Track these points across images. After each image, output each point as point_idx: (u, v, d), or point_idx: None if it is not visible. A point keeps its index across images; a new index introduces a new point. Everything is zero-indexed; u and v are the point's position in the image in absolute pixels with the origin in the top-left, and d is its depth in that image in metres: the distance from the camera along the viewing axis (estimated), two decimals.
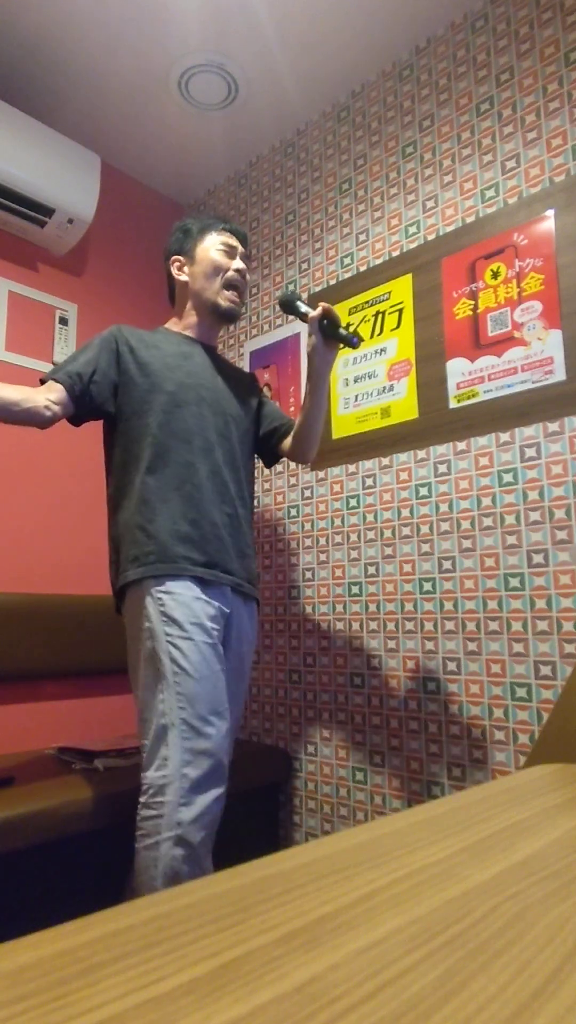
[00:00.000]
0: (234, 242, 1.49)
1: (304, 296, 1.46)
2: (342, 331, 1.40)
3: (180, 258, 1.50)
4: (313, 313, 1.41)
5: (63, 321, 2.18)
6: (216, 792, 1.19)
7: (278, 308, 2.21)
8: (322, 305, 1.40)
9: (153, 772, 1.17)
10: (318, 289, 2.09)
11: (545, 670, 1.45)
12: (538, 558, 1.49)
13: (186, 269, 1.49)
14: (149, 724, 1.21)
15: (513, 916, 0.46)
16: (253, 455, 1.57)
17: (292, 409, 2.11)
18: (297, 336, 2.13)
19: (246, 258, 1.52)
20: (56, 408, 1.27)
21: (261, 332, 2.26)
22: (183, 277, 1.49)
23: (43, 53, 1.94)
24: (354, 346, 1.39)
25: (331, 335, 1.41)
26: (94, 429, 2.20)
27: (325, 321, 1.40)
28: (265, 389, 2.21)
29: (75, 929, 0.42)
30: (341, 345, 1.44)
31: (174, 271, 1.50)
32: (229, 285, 1.47)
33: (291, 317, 2.16)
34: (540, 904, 0.48)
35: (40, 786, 1.43)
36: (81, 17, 1.83)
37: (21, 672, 1.85)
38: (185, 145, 2.33)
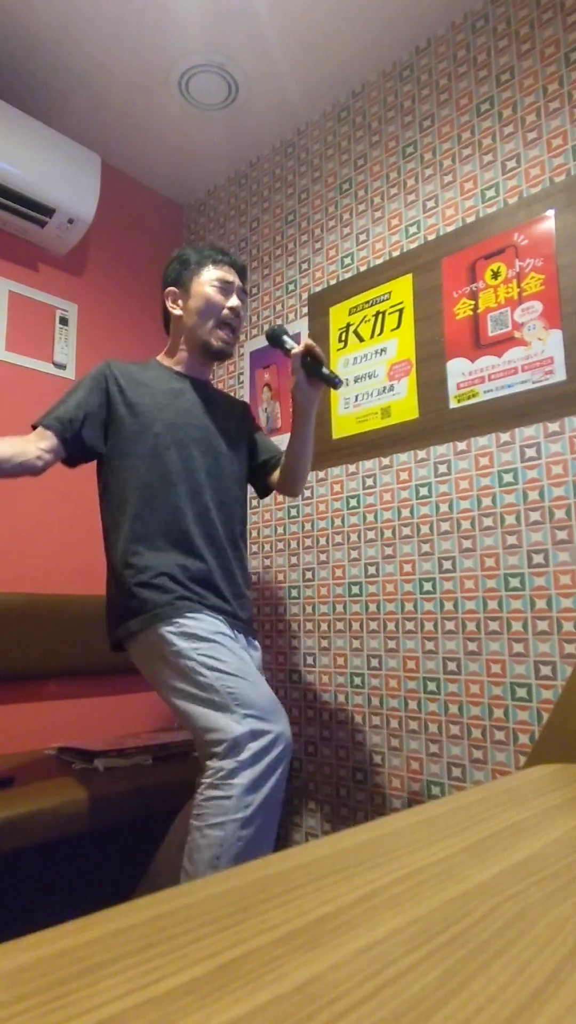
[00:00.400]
0: (231, 277, 1.47)
1: (289, 332, 1.45)
2: (324, 371, 1.37)
3: (175, 290, 1.48)
4: (295, 349, 1.40)
5: (63, 321, 2.18)
6: (281, 780, 1.20)
7: (278, 310, 2.21)
8: (306, 342, 1.39)
9: (225, 760, 1.16)
10: (318, 289, 2.09)
11: (545, 670, 1.45)
12: (538, 558, 1.49)
13: (180, 303, 1.48)
14: (218, 744, 1.19)
15: (513, 916, 0.46)
16: (246, 490, 1.56)
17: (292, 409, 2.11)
18: (297, 336, 2.13)
19: (243, 293, 1.50)
20: (48, 456, 1.31)
21: (261, 332, 2.26)
22: (176, 311, 1.48)
23: (43, 53, 1.94)
24: (335, 387, 1.37)
25: (313, 373, 1.39)
26: None
27: (308, 359, 1.38)
28: (265, 389, 2.21)
29: (75, 929, 0.42)
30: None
31: (168, 304, 1.49)
32: (222, 324, 1.45)
33: (291, 317, 2.16)
34: (540, 904, 0.48)
35: (40, 786, 1.43)
36: (81, 17, 1.83)
37: (21, 672, 1.85)
38: (185, 145, 2.33)
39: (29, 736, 1.90)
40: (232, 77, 2.03)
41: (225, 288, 1.45)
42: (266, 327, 2.25)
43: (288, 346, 1.44)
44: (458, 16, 1.83)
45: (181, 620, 1.26)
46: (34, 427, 1.33)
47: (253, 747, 1.17)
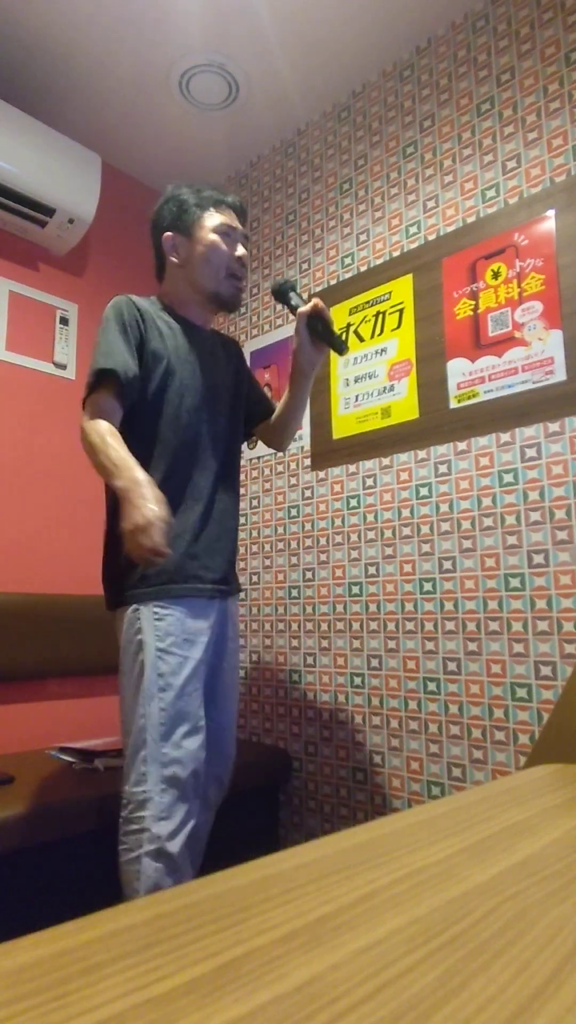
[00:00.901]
0: (235, 222, 1.37)
1: (299, 288, 1.34)
2: (331, 334, 1.32)
3: (173, 235, 1.35)
4: (303, 308, 1.34)
5: (64, 321, 2.18)
6: (194, 805, 1.19)
7: (279, 310, 2.21)
8: (315, 301, 1.33)
9: (132, 787, 1.17)
10: (318, 289, 2.09)
11: (545, 670, 1.45)
12: (538, 558, 1.49)
13: (180, 250, 1.36)
14: (128, 735, 1.20)
15: (513, 916, 0.46)
16: (240, 452, 1.51)
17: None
18: (282, 303, 2.12)
19: (246, 238, 1.40)
20: (118, 415, 1.24)
21: (262, 332, 2.26)
22: (176, 259, 1.36)
23: (44, 53, 1.94)
24: (340, 353, 1.32)
25: (319, 335, 1.34)
26: None
27: (318, 323, 1.33)
28: (265, 389, 2.21)
29: (75, 929, 0.42)
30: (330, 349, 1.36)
31: (166, 249, 1.36)
32: (231, 275, 1.37)
33: (291, 317, 2.15)
34: (540, 904, 0.48)
35: (40, 786, 1.43)
36: (82, 17, 1.83)
37: (21, 672, 1.85)
38: (186, 145, 2.33)
39: (29, 736, 1.90)
40: (232, 77, 2.03)
41: (230, 235, 1.35)
42: (274, 323, 2.24)
43: (294, 303, 1.37)
44: (458, 16, 1.83)
45: (159, 609, 1.23)
46: (99, 375, 1.22)
47: (157, 770, 1.15)
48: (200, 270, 1.35)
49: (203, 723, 1.24)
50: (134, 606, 1.25)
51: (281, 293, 1.39)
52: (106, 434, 1.17)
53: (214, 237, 1.33)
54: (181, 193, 1.36)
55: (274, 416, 1.52)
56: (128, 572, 1.27)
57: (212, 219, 1.34)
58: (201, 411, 1.35)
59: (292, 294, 1.39)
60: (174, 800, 1.16)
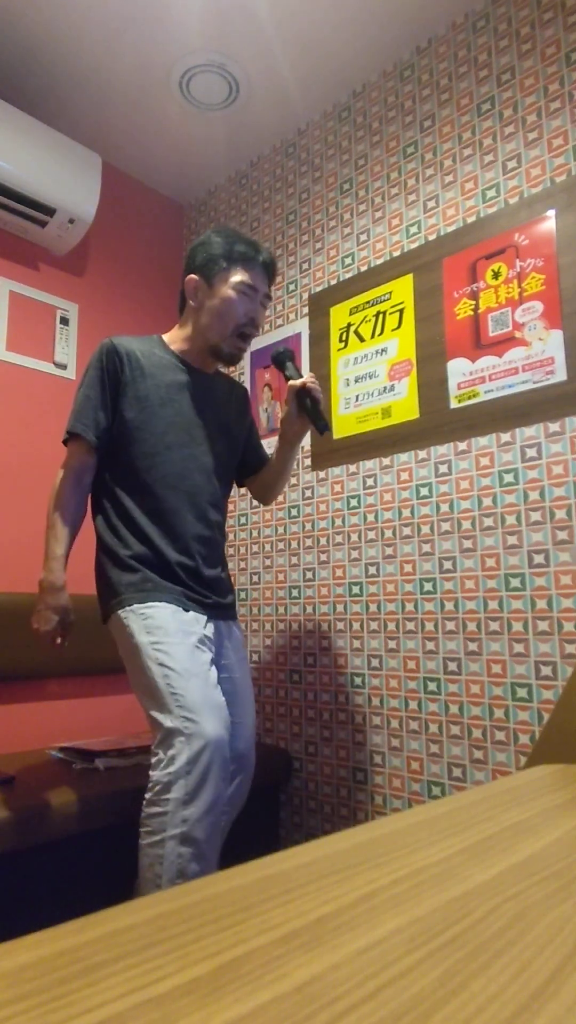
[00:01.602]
0: (259, 282, 1.40)
1: (295, 359, 1.41)
2: (316, 413, 1.37)
3: (197, 280, 1.40)
4: (295, 382, 1.39)
5: (64, 321, 2.18)
6: (221, 789, 1.19)
7: (279, 309, 2.21)
8: (306, 379, 1.38)
9: (160, 771, 1.17)
10: (319, 289, 2.09)
11: (546, 670, 1.45)
12: (539, 558, 1.49)
13: (199, 296, 1.40)
14: (156, 731, 1.22)
15: (513, 916, 0.46)
16: (230, 487, 1.55)
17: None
18: (298, 336, 2.13)
19: (267, 298, 1.43)
20: (89, 485, 1.39)
21: (262, 332, 2.26)
22: (193, 304, 1.41)
23: (44, 53, 1.94)
24: (320, 432, 1.36)
25: (305, 411, 1.39)
26: None
27: (306, 399, 1.38)
28: (265, 389, 2.21)
29: (75, 929, 0.42)
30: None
31: (188, 290, 1.41)
32: (238, 334, 1.40)
33: (292, 317, 2.16)
34: (540, 904, 0.48)
35: (41, 786, 1.43)
36: (82, 17, 1.83)
37: (22, 672, 1.85)
38: (186, 145, 2.33)
39: (30, 736, 1.90)
40: (232, 77, 2.03)
41: (250, 295, 1.39)
42: (274, 323, 2.25)
43: (289, 374, 1.43)
44: (459, 16, 1.83)
45: (146, 610, 1.27)
46: (71, 435, 1.36)
47: (185, 753, 1.16)
48: (210, 321, 1.39)
49: (223, 704, 1.25)
50: (122, 612, 1.29)
51: (278, 362, 1.46)
52: (57, 519, 1.34)
53: (232, 294, 1.37)
54: (214, 241, 1.39)
55: (264, 473, 1.58)
56: (112, 583, 1.32)
57: (236, 276, 1.37)
58: (187, 447, 1.39)
59: (288, 364, 1.45)
60: (200, 782, 1.16)
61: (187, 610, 1.32)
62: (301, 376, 1.42)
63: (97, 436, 1.35)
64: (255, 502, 2.18)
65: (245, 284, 1.38)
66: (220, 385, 1.51)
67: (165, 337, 1.47)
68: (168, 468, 1.36)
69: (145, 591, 1.29)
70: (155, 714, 1.21)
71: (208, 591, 1.39)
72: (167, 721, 1.19)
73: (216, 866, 1.20)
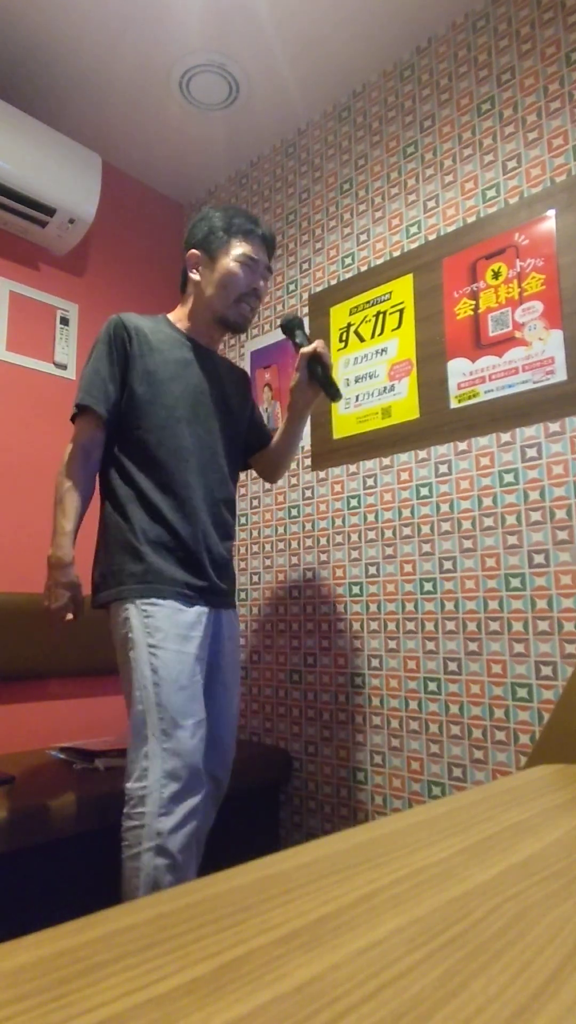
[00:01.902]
0: (259, 254, 1.41)
1: (305, 325, 1.41)
2: (328, 379, 1.36)
3: (199, 255, 1.42)
4: (306, 348, 1.39)
5: (64, 321, 2.18)
6: (194, 800, 1.19)
7: (279, 309, 2.21)
8: (317, 344, 1.38)
9: (133, 783, 1.18)
10: (319, 289, 2.09)
11: (546, 670, 1.45)
12: (539, 558, 1.49)
13: (201, 269, 1.42)
14: (132, 736, 1.21)
15: (514, 916, 0.46)
16: (239, 468, 1.55)
17: (287, 405, 2.11)
18: (287, 337, 2.13)
19: (268, 270, 1.45)
20: (98, 461, 1.36)
21: (262, 332, 2.26)
22: (196, 277, 1.42)
23: (44, 53, 1.94)
24: (333, 399, 1.36)
25: (316, 377, 1.38)
26: None
27: (317, 365, 1.38)
28: (266, 389, 2.21)
29: (76, 929, 0.42)
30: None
31: (189, 266, 1.43)
32: (241, 301, 1.41)
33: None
34: (541, 904, 0.48)
35: (41, 786, 1.43)
36: (82, 17, 1.83)
37: (22, 672, 1.85)
38: (186, 145, 2.33)
39: (30, 736, 1.90)
40: (233, 77, 2.03)
41: (251, 266, 1.40)
42: (274, 323, 2.25)
43: (299, 341, 1.42)
44: (459, 16, 1.83)
45: (148, 607, 1.25)
46: (79, 408, 1.33)
47: (159, 766, 1.16)
48: (214, 292, 1.40)
49: (203, 718, 1.25)
50: (122, 603, 1.27)
51: (288, 329, 1.45)
52: (66, 493, 1.31)
53: (234, 265, 1.39)
54: (213, 216, 1.42)
55: (269, 449, 1.56)
56: (115, 571, 1.30)
57: (237, 248, 1.39)
58: (194, 424, 1.38)
59: (298, 331, 1.44)
60: (175, 796, 1.16)
61: (190, 606, 1.30)
62: (310, 343, 1.41)
63: (107, 410, 1.32)
64: (255, 502, 2.18)
65: (246, 255, 1.39)
66: (223, 364, 1.52)
67: (170, 316, 1.48)
68: (179, 442, 1.35)
69: (148, 583, 1.27)
70: (135, 714, 1.21)
71: (215, 570, 1.37)
72: (145, 728, 1.18)
73: (193, 877, 1.20)
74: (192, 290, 1.45)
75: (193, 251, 1.42)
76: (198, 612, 1.31)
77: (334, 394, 1.36)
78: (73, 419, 1.36)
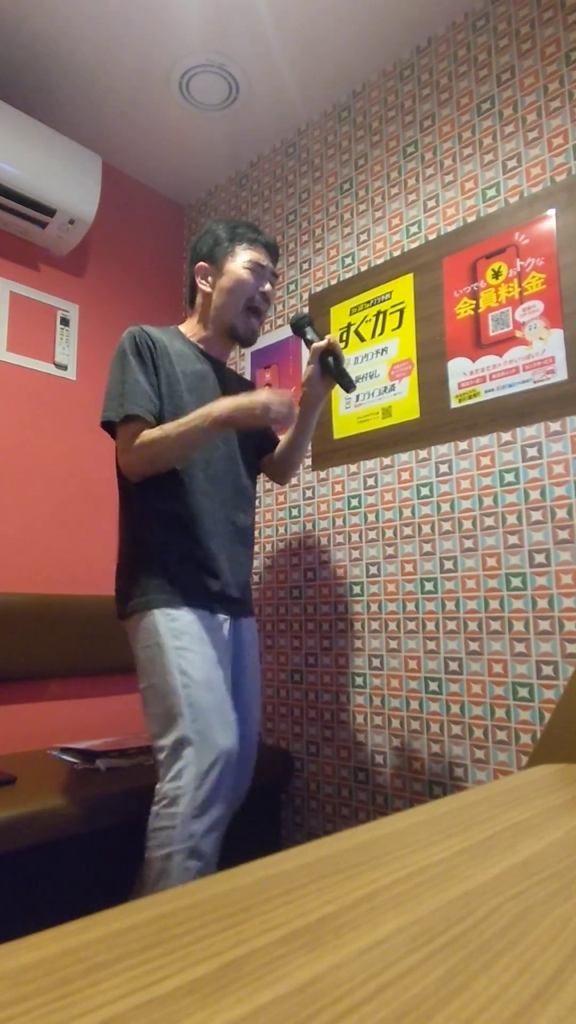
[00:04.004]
0: (264, 260, 1.43)
1: (315, 323, 1.42)
2: (342, 371, 1.36)
3: (206, 266, 1.44)
4: (318, 343, 1.39)
5: (64, 322, 2.18)
6: (225, 803, 1.19)
7: (279, 309, 2.21)
8: (328, 337, 1.38)
9: (168, 783, 1.17)
10: (319, 289, 2.09)
11: (547, 670, 1.45)
12: (540, 558, 1.49)
13: (210, 279, 1.44)
14: (159, 736, 1.21)
15: (515, 916, 0.46)
16: (256, 474, 1.56)
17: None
18: (299, 336, 2.13)
19: (273, 276, 1.47)
20: None
21: (262, 332, 2.26)
22: (205, 287, 1.44)
23: (44, 54, 1.94)
24: (347, 390, 1.36)
25: (330, 371, 1.39)
26: (94, 431, 2.20)
27: (330, 358, 1.38)
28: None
29: (77, 929, 0.42)
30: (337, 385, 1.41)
31: (198, 279, 1.46)
32: (251, 309, 1.43)
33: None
34: (542, 904, 0.48)
35: (42, 786, 1.43)
36: (82, 18, 1.83)
37: (23, 672, 1.86)
38: (186, 145, 2.33)
39: (31, 736, 1.90)
40: (232, 77, 2.03)
41: (258, 271, 1.42)
42: (274, 323, 2.25)
43: (310, 337, 1.43)
44: (459, 15, 1.83)
45: (173, 611, 1.26)
46: (125, 418, 1.27)
47: (194, 766, 1.16)
48: (223, 300, 1.42)
49: (234, 719, 1.25)
50: (146, 613, 1.27)
51: (298, 327, 1.45)
52: (156, 432, 1.24)
53: (241, 271, 1.41)
54: (217, 228, 1.45)
55: (278, 449, 1.56)
56: (139, 582, 1.30)
57: (242, 254, 1.42)
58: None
59: (308, 329, 1.44)
60: (208, 797, 1.16)
61: (213, 613, 1.31)
62: (321, 339, 1.41)
63: (153, 420, 1.29)
64: (256, 502, 2.18)
65: (252, 261, 1.41)
66: (233, 378, 1.54)
67: (182, 328, 1.49)
68: (199, 453, 1.35)
69: (171, 593, 1.28)
70: (165, 720, 1.20)
71: (235, 579, 1.38)
72: (179, 730, 1.18)
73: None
74: (201, 301, 1.46)
75: (200, 263, 1.45)
76: (221, 621, 1.33)
77: (348, 384, 1.36)
78: (108, 427, 1.32)
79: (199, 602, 1.29)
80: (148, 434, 1.26)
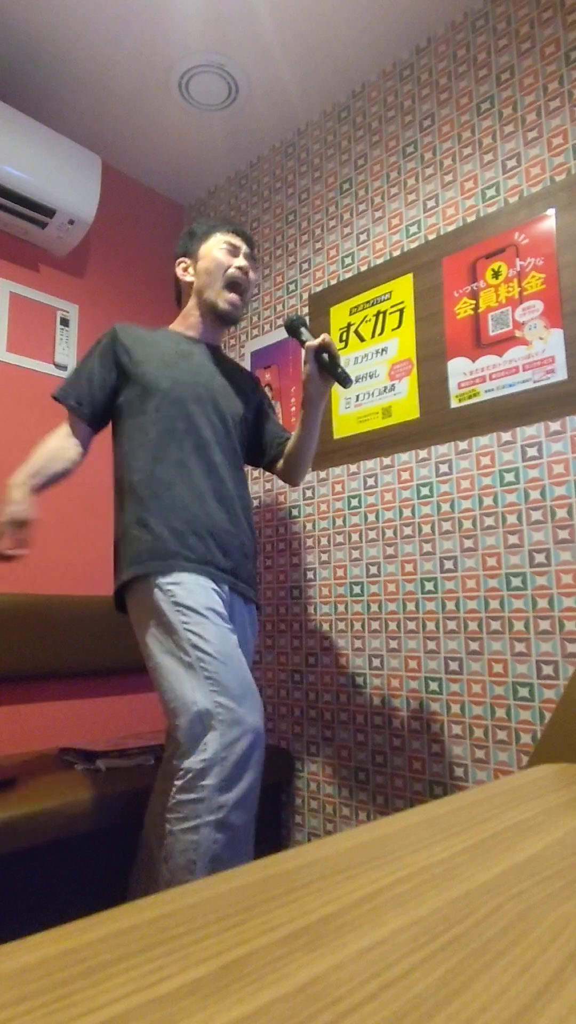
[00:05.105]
0: (238, 241, 1.49)
1: (308, 322, 1.46)
2: (337, 368, 1.38)
3: (185, 259, 1.53)
4: (311, 342, 1.40)
5: (64, 322, 2.18)
6: (256, 773, 1.18)
7: (279, 310, 2.21)
8: (323, 336, 1.39)
9: (193, 758, 1.15)
10: (319, 289, 2.09)
11: (547, 669, 1.45)
12: (540, 557, 1.49)
13: (190, 269, 1.51)
14: (182, 714, 1.18)
15: (516, 916, 0.46)
16: (245, 450, 1.57)
17: (293, 409, 2.11)
18: (293, 337, 2.13)
19: (250, 258, 1.51)
20: (84, 444, 1.44)
21: (262, 332, 2.26)
22: (188, 277, 1.52)
23: (44, 54, 1.94)
24: (344, 385, 1.38)
25: (325, 368, 1.40)
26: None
27: (325, 355, 1.39)
28: (266, 389, 2.21)
29: (78, 929, 0.42)
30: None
31: (179, 272, 1.53)
32: (231, 284, 1.47)
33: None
34: (543, 904, 0.48)
35: (42, 787, 1.43)
36: (81, 18, 1.83)
37: (23, 673, 1.86)
38: (186, 146, 2.33)
39: (31, 737, 1.90)
40: (232, 77, 2.03)
41: (232, 250, 1.48)
42: (274, 323, 2.25)
43: (304, 338, 1.44)
44: (458, 15, 1.83)
45: (174, 583, 1.25)
46: (56, 399, 1.43)
47: (218, 739, 1.14)
48: (202, 281, 1.49)
49: (255, 688, 1.24)
50: (144, 583, 1.27)
51: (293, 328, 1.47)
52: (37, 451, 1.38)
53: (215, 252, 1.48)
54: (191, 226, 1.55)
55: (287, 449, 1.56)
56: (130, 550, 1.31)
57: (216, 239, 1.49)
58: (192, 407, 1.40)
59: (303, 329, 1.46)
60: (236, 768, 1.15)
61: (211, 580, 1.30)
62: (315, 338, 1.43)
63: (75, 409, 1.42)
64: (256, 502, 2.18)
65: (225, 241, 1.48)
66: (230, 362, 1.57)
67: (170, 327, 1.56)
68: (175, 423, 1.38)
69: (166, 559, 1.27)
70: (183, 695, 1.18)
71: (234, 554, 1.37)
72: (200, 703, 1.16)
73: (252, 853, 1.19)
74: (185, 293, 1.54)
75: (179, 259, 1.54)
76: (219, 590, 1.32)
77: (344, 380, 1.37)
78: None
79: (195, 567, 1.29)
80: (43, 445, 1.39)
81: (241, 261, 1.48)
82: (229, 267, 1.47)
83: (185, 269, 1.52)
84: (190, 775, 1.14)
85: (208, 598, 1.26)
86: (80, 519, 2.13)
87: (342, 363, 1.49)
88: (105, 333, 1.47)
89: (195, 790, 1.13)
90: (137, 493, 1.34)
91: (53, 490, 2.07)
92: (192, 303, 1.52)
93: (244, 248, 1.50)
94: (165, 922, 0.43)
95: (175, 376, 1.40)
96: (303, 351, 1.43)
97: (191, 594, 1.25)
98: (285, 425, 2.12)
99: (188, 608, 1.23)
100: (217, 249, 1.47)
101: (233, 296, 1.47)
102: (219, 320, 1.50)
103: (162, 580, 1.26)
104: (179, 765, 1.16)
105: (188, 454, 1.37)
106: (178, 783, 1.15)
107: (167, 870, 1.14)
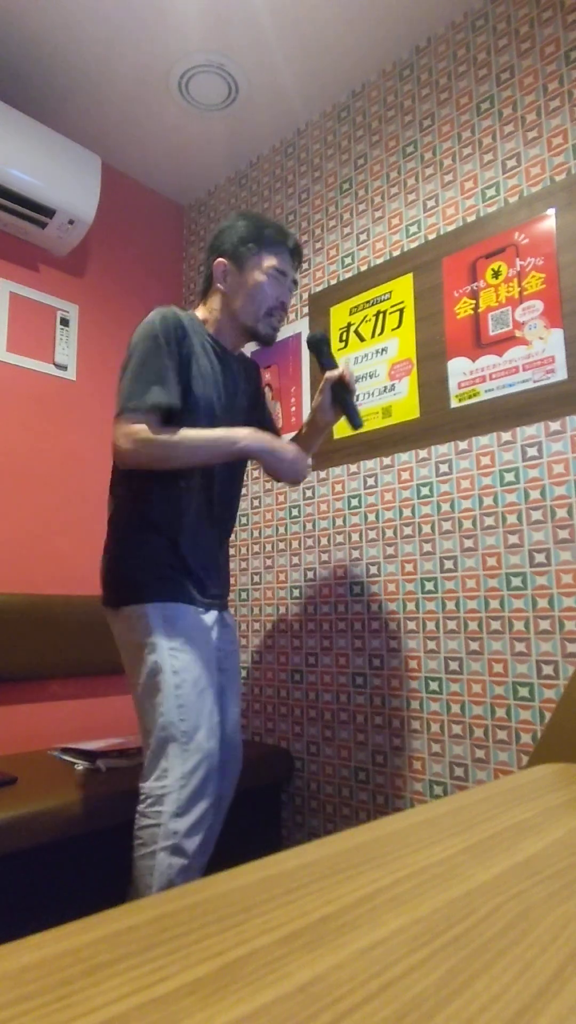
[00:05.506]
0: (288, 267, 1.39)
1: (332, 344, 1.38)
2: (353, 405, 1.35)
3: (227, 264, 1.37)
4: (332, 373, 1.38)
5: (64, 322, 2.18)
6: (209, 802, 1.19)
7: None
8: (343, 368, 1.37)
9: (152, 782, 1.18)
10: (319, 289, 2.09)
11: (547, 669, 1.45)
12: (540, 557, 1.49)
13: (229, 279, 1.38)
14: (149, 734, 1.22)
15: (516, 916, 0.46)
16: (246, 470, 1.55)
17: (293, 409, 2.11)
18: (298, 336, 2.13)
19: (295, 283, 1.44)
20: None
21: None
22: (223, 287, 1.38)
23: (43, 54, 1.94)
24: (354, 427, 1.35)
25: (339, 401, 1.37)
26: (94, 431, 2.20)
27: (343, 391, 1.37)
28: (266, 390, 2.21)
29: (78, 929, 0.42)
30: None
31: (216, 273, 1.38)
32: (270, 314, 1.39)
33: (292, 317, 2.16)
34: (543, 904, 0.48)
35: (42, 786, 1.43)
36: (81, 18, 1.83)
37: (23, 672, 1.86)
38: (185, 145, 2.33)
39: (31, 737, 1.90)
40: (232, 77, 2.03)
41: (280, 280, 1.38)
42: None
43: (325, 362, 1.40)
44: (458, 15, 1.83)
45: (168, 612, 1.26)
46: (159, 406, 1.23)
47: (179, 766, 1.17)
48: (242, 304, 1.37)
49: (218, 721, 1.26)
50: (141, 606, 1.27)
51: (315, 346, 1.42)
52: (174, 437, 1.21)
53: (263, 278, 1.36)
54: (244, 224, 1.38)
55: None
56: (136, 573, 1.29)
57: (267, 260, 1.36)
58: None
59: (325, 349, 1.41)
60: (192, 796, 1.17)
61: (206, 610, 1.33)
62: (337, 366, 1.40)
63: (172, 414, 1.27)
64: (256, 502, 2.18)
65: (275, 268, 1.36)
66: (240, 368, 1.48)
67: (198, 314, 1.42)
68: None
69: (166, 588, 1.27)
70: (152, 717, 1.21)
71: (217, 574, 1.39)
72: (166, 729, 1.19)
73: (200, 877, 1.21)
74: (218, 299, 1.40)
75: (220, 260, 1.38)
76: (211, 617, 1.35)
77: (356, 421, 1.35)
78: (121, 416, 1.25)
79: (191, 597, 1.30)
80: (165, 434, 1.21)
81: (285, 296, 1.40)
82: (273, 303, 1.37)
83: (224, 276, 1.37)
84: (149, 800, 1.17)
85: (196, 627, 1.28)
86: (80, 519, 2.13)
87: (357, 401, 1.43)
88: (167, 321, 1.28)
89: (152, 816, 1.16)
90: (148, 515, 1.30)
91: (53, 490, 2.08)
92: (224, 312, 1.40)
93: (291, 275, 1.41)
94: (165, 922, 0.43)
95: (205, 401, 1.32)
96: (309, 352, 1.41)
97: (181, 621, 1.26)
98: (284, 426, 2.12)
99: (178, 634, 1.24)
100: (264, 275, 1.36)
101: (275, 321, 1.40)
102: (256, 342, 1.43)
103: (159, 602, 1.26)
104: (142, 787, 1.20)
105: (210, 488, 1.36)
106: (139, 807, 1.19)
107: (133, 892, 1.18)
